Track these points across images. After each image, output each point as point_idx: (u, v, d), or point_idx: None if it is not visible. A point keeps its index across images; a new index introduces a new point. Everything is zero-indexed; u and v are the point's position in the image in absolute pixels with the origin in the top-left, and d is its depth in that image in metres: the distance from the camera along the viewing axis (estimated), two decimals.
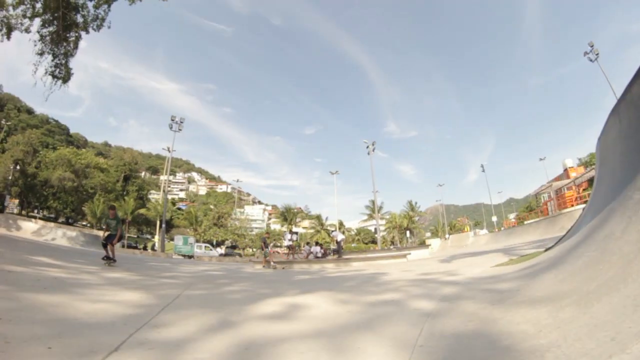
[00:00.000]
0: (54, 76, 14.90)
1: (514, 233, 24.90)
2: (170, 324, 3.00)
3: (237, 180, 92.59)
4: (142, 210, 67.92)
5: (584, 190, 25.23)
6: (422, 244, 39.85)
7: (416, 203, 71.08)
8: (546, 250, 6.03)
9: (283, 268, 14.39)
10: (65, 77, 15.28)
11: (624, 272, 2.18)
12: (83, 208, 60.63)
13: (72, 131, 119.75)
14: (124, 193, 71.22)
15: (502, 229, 43.16)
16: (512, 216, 70.49)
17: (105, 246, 9.37)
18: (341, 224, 63.77)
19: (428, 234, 77.34)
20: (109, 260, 9.13)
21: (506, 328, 2.36)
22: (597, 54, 31.54)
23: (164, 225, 37.96)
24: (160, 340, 2.52)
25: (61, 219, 61.78)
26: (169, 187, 57.89)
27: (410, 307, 3.60)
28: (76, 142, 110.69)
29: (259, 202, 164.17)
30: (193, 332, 2.78)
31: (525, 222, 31.74)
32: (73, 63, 15.53)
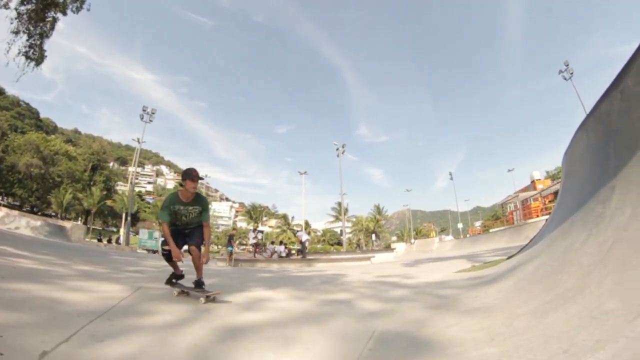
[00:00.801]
0: (27, 57, 14.21)
1: (479, 240, 25.48)
2: (129, 317, 2.97)
3: (206, 176, 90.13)
4: (108, 202, 65.71)
5: (549, 202, 26.07)
6: (388, 248, 40.26)
7: (383, 207, 71.57)
8: (508, 258, 6.10)
9: (240, 266, 14.20)
10: (39, 59, 14.61)
11: (581, 283, 2.15)
12: (49, 197, 58.11)
13: (42, 116, 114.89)
14: (91, 183, 68.56)
15: (468, 236, 44.19)
16: (478, 224, 72.34)
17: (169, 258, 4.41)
18: (307, 224, 63.60)
19: (394, 238, 78.30)
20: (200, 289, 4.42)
21: (459, 334, 2.30)
22: (572, 73, 32.65)
23: (129, 218, 36.95)
24: (113, 332, 2.47)
25: (26, 208, 58.45)
26: (136, 179, 56.29)
27: (358, 307, 3.82)
28: (46, 127, 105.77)
29: (227, 199, 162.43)
30: (152, 325, 2.80)
31: (491, 230, 32.63)
32: (49, 45, 14.97)
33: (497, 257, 8.30)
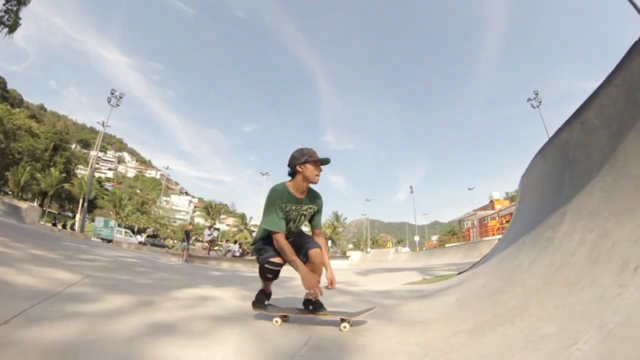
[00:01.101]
0: (1, 22, 13.23)
1: (434, 254, 26.09)
2: (73, 304, 2.85)
3: (168, 168, 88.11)
4: (66, 185, 62.45)
5: (506, 222, 27.05)
6: (343, 255, 40.54)
7: (342, 214, 72.08)
8: (459, 273, 6.17)
9: (193, 262, 13.81)
10: (13, 26, 13.72)
11: (523, 305, 2.12)
12: (6, 174, 54.48)
13: (9, 86, 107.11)
14: (51, 164, 64.81)
15: (424, 249, 45.27)
16: (434, 238, 74.22)
17: None
18: None
19: (350, 246, 79.13)
20: None
21: (395, 346, 2.21)
22: (540, 102, 34.22)
23: (85, 204, 35.48)
24: (54, 317, 2.38)
25: None
26: (97, 164, 53.96)
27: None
28: (11, 99, 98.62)
29: (186, 194, 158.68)
30: (93, 313, 2.68)
31: (447, 245, 33.47)
32: (26, 12, 14.05)
33: (449, 271, 8.44)
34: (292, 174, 2.94)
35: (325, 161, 2.95)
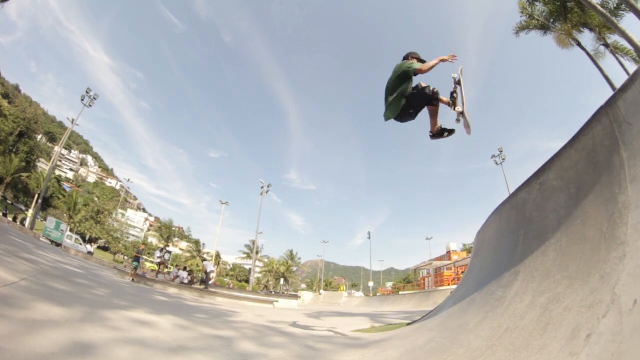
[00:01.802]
0: None
1: (387, 300, 25.83)
2: (2, 304, 2.75)
3: (129, 180, 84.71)
4: (24, 176, 58.68)
5: (462, 272, 27.30)
6: (294, 295, 39.63)
7: (297, 253, 70.93)
8: (409, 324, 5.96)
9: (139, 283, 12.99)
10: None
11: None
12: None
13: None
14: (14, 150, 60.90)
15: (378, 294, 44.89)
16: (389, 284, 74.09)
17: None
18: (218, 255, 61.34)
19: (303, 286, 77.88)
20: None
21: None
22: (504, 159, 35.77)
23: (40, 201, 33.48)
24: None
25: None
26: (60, 161, 51.38)
27: (234, 345, 3.65)
28: None
29: (144, 210, 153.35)
30: (20, 319, 2.56)
31: (401, 292, 33.34)
32: None
33: (400, 320, 8.23)
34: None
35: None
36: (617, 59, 19.24)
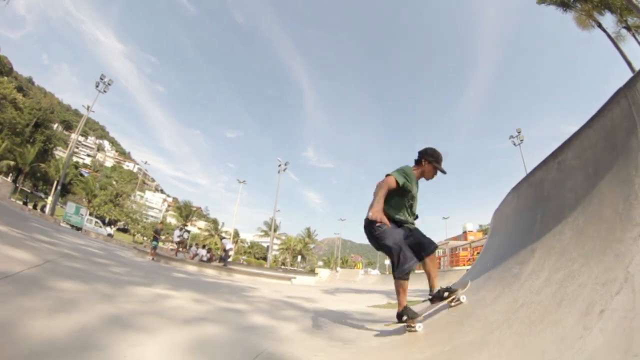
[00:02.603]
0: None
1: None
2: (28, 286, 2.77)
3: (146, 163, 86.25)
4: (42, 165, 60.19)
5: (477, 253, 27.26)
6: (311, 272, 40.17)
7: (314, 231, 71.74)
8: (424, 301, 6.10)
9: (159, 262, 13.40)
10: None
11: (482, 339, 2.03)
12: None
13: (1, 53, 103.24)
14: (31, 140, 62.32)
15: None
16: None
17: None
18: (237, 233, 62.36)
19: (320, 263, 78.86)
20: None
21: None
22: (522, 140, 35.14)
23: (59, 187, 34.37)
24: (5, 299, 2.31)
25: None
26: (77, 148, 52.35)
27: (246, 318, 3.80)
28: (1, 66, 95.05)
29: (162, 191, 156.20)
30: (48, 298, 2.64)
31: (416, 271, 33.54)
32: None
33: (415, 297, 8.38)
34: (418, 162, 3.36)
35: (442, 171, 3.34)
36: (638, 41, 18.48)
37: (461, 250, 30.69)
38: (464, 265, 25.06)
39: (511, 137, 35.97)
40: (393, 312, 5.12)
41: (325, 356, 2.43)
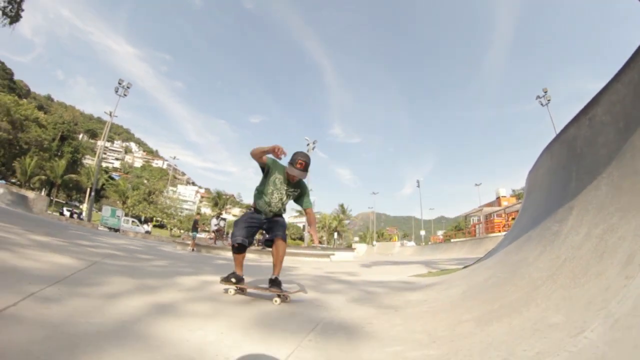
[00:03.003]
0: (3, 13, 13.36)
1: (440, 249, 26.09)
2: (79, 287, 2.96)
3: (174, 158, 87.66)
4: (73, 175, 62.95)
5: (512, 219, 26.85)
6: (348, 247, 40.45)
7: (348, 207, 71.99)
8: (464, 267, 6.22)
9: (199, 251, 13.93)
10: (14, 18, 13.77)
11: (529, 296, 2.17)
12: (14, 164, 54.86)
13: (16, 77, 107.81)
14: (59, 153, 65.22)
15: (429, 243, 45.15)
16: (440, 233, 73.96)
17: None
18: None
19: (356, 239, 79.24)
20: None
21: (401, 334, 2.28)
22: (549, 100, 33.85)
23: (92, 194, 35.94)
24: (61, 299, 2.47)
25: None
26: (104, 154, 54.18)
27: (295, 294, 3.91)
28: (19, 89, 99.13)
29: (193, 184, 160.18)
30: (98, 295, 2.81)
31: (452, 240, 33.44)
32: (32, 3, 14.20)
33: (454, 266, 8.49)
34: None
35: (294, 173, 3.56)
36: None
37: (495, 217, 30.25)
38: (500, 231, 24.75)
39: (538, 97, 34.69)
40: (434, 280, 5.31)
41: (379, 323, 2.63)
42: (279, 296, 3.39)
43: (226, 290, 3.63)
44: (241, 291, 3.68)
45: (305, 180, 3.96)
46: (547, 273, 2.32)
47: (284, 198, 3.72)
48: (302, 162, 3.55)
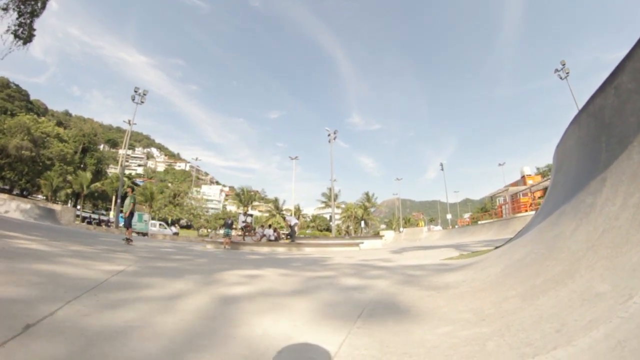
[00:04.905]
0: (15, 35, 13.91)
1: (467, 231, 25.84)
2: (124, 290, 3.08)
3: (197, 159, 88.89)
4: (98, 184, 64.90)
5: (539, 198, 26.35)
6: (376, 235, 40.39)
7: (373, 194, 71.63)
8: (496, 248, 6.22)
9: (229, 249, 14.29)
10: (27, 39, 14.28)
11: (571, 268, 2.22)
12: (39, 180, 57.03)
13: (32, 97, 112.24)
14: (82, 166, 67.40)
15: (456, 226, 44.57)
16: (466, 215, 72.96)
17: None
18: (298, 209, 63.83)
19: (383, 226, 79.04)
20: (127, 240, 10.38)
21: (448, 315, 2.37)
22: (568, 73, 32.79)
23: (119, 201, 36.89)
24: (100, 305, 2.54)
25: (16, 191, 56.83)
26: (127, 161, 55.70)
27: (339, 282, 4.18)
28: (36, 109, 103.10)
29: (217, 183, 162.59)
30: (151, 296, 2.96)
31: (479, 222, 33.00)
32: (39, 24, 14.74)
33: (484, 247, 8.47)
34: None
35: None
36: None
37: (521, 196, 29.67)
38: (527, 211, 24.30)
39: (556, 70, 33.63)
40: (468, 261, 5.35)
41: (424, 304, 2.73)
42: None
43: None
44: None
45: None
46: (587, 245, 2.36)
47: None
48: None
